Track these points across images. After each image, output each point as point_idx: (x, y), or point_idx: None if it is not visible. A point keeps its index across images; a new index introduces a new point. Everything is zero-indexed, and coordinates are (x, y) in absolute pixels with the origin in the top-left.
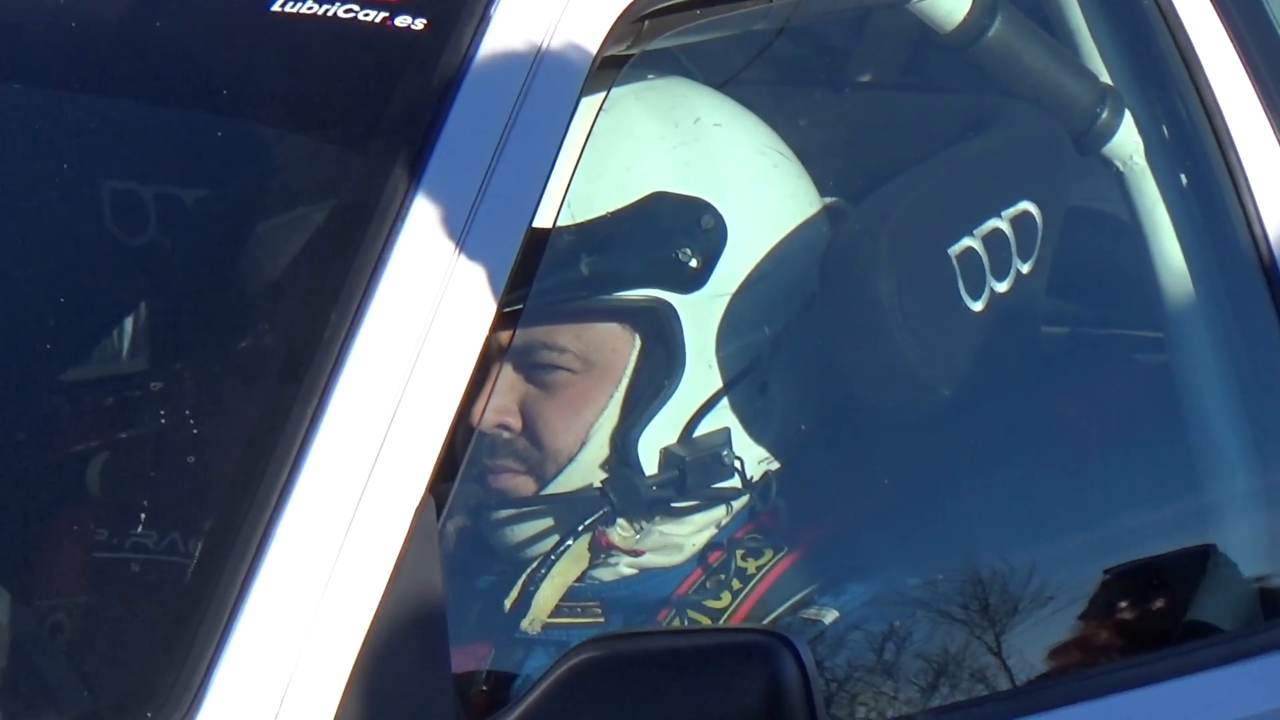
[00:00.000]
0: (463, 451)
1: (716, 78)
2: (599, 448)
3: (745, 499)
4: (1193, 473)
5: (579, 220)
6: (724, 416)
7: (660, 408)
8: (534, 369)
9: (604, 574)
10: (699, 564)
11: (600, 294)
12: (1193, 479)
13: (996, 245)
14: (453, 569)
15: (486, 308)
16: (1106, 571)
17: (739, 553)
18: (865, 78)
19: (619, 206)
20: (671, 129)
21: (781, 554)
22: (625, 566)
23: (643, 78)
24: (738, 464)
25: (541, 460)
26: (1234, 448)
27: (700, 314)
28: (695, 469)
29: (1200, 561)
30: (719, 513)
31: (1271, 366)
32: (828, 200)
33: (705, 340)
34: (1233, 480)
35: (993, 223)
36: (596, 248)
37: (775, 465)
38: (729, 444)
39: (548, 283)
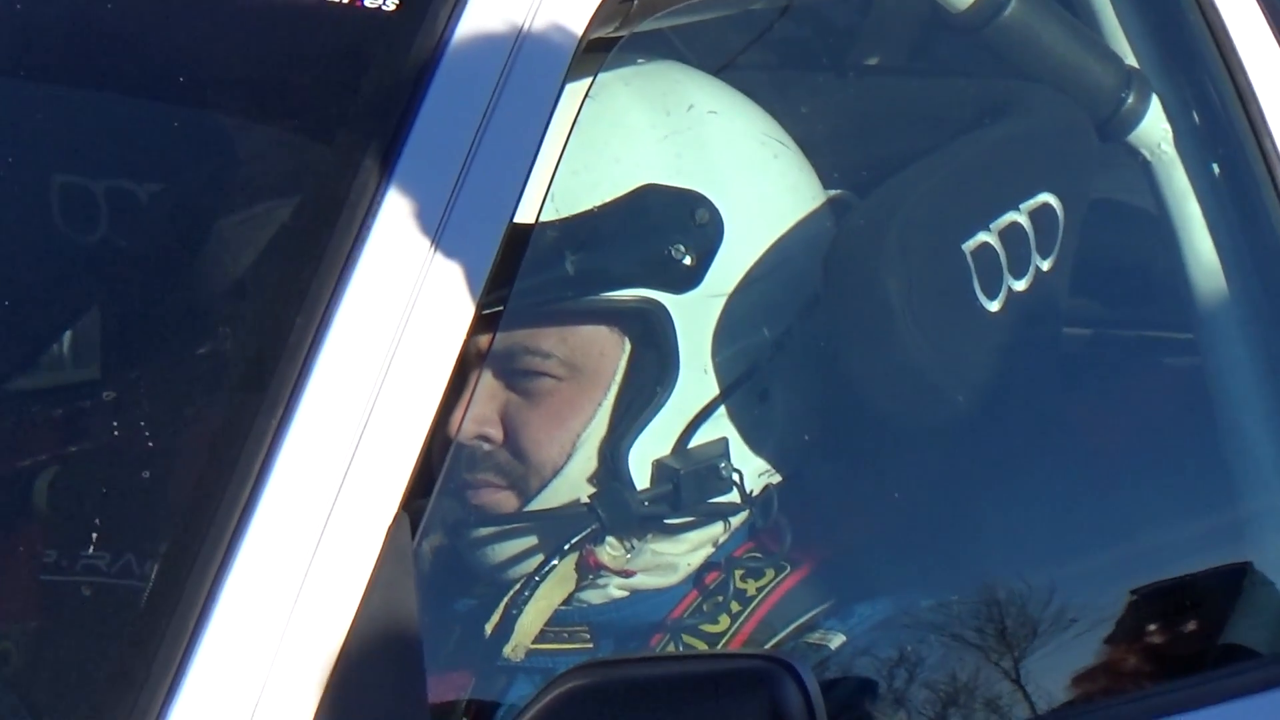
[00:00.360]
0: (439, 465)
1: (712, 62)
2: (586, 460)
3: (744, 515)
4: (1227, 485)
5: (563, 215)
6: (721, 426)
7: (652, 417)
8: (516, 376)
9: (592, 596)
10: (695, 585)
11: (587, 294)
12: (1227, 492)
13: (1014, 240)
14: (429, 592)
15: (464, 310)
16: (1134, 592)
17: (738, 573)
18: (872, 61)
19: (607, 200)
20: (663, 117)
21: (784, 574)
22: (615, 588)
23: (632, 62)
24: (736, 477)
25: (524, 474)
26: (1271, 458)
27: (695, 315)
28: (690, 483)
29: (1235, 580)
30: (716, 530)
31: None
32: (832, 193)
33: (700, 344)
34: (1270, 493)
35: (1010, 216)
36: (582, 245)
37: (776, 478)
38: (726, 456)
39: (530, 283)
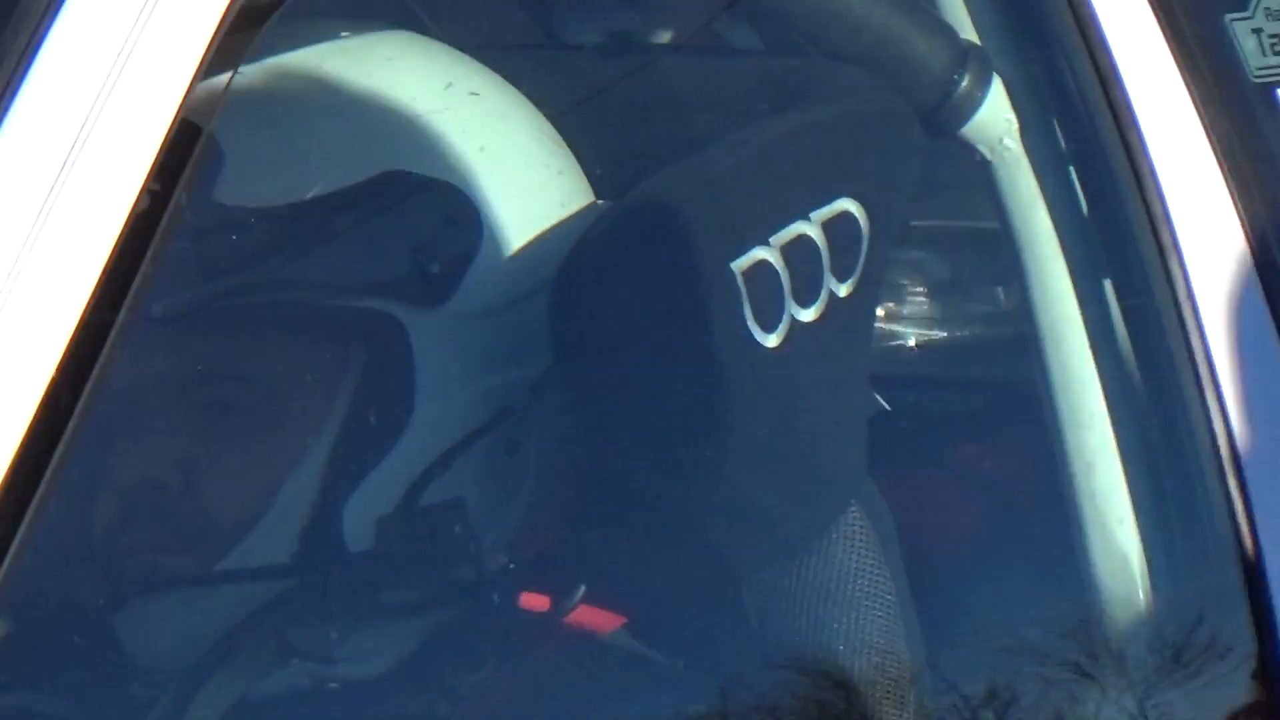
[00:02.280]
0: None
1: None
2: (286, 516)
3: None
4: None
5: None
6: (460, 482)
7: (376, 464)
8: (194, 404)
9: (284, 688)
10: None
11: (298, 302)
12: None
13: (802, 258)
14: (37, 690)
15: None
16: None
17: None
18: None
19: (332, 187)
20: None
21: None
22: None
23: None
24: (473, 547)
25: (202, 531)
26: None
27: (439, 339)
28: (418, 550)
29: None
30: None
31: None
32: (600, 202)
33: (443, 376)
34: None
35: (797, 228)
36: (290, 238)
37: (522, 551)
38: (464, 519)
39: (218, 284)
